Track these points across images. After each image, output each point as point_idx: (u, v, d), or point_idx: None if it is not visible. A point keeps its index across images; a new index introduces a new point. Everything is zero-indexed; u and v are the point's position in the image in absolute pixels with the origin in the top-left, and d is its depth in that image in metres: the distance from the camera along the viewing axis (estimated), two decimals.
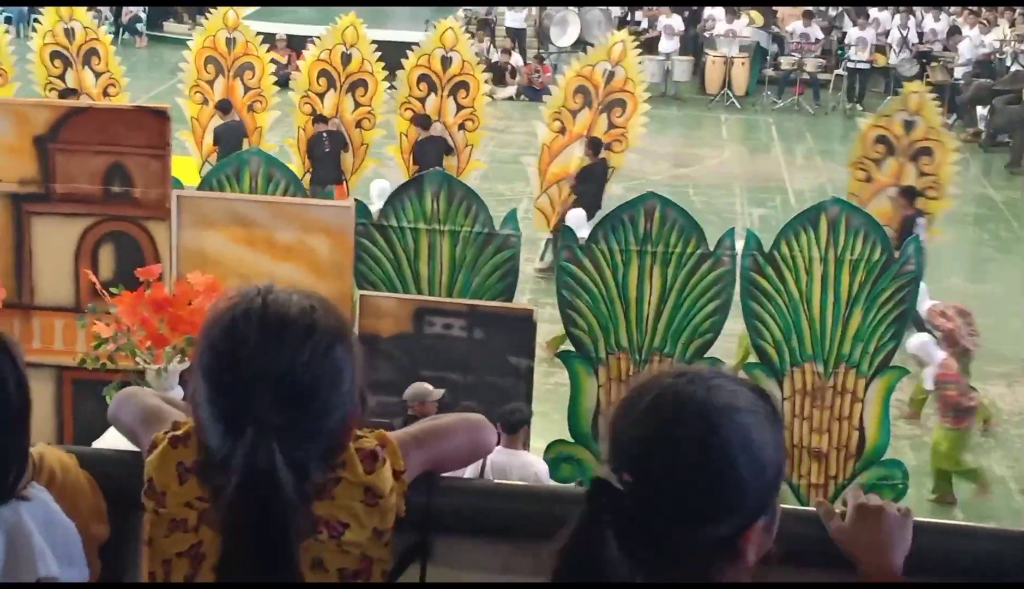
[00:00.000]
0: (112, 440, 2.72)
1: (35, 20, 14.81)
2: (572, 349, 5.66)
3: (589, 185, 8.43)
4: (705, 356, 5.60)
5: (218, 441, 1.22)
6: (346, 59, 8.74)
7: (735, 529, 1.05)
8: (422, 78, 8.81)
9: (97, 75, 9.10)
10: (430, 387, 5.20)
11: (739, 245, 5.51)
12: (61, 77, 9.06)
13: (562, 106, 8.55)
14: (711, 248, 5.45)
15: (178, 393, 4.71)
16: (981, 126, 13.00)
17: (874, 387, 5.55)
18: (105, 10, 14.35)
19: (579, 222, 7.38)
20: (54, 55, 9.08)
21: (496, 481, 3.90)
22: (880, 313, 5.44)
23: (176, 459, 1.29)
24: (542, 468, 5.06)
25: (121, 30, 14.84)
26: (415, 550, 1.40)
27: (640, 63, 9.05)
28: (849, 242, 5.33)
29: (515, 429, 4.94)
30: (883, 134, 8.19)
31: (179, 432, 1.32)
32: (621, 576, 1.03)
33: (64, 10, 9.13)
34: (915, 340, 6.42)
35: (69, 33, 9.04)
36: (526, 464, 4.89)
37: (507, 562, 1.42)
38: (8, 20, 11.34)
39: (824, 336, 5.53)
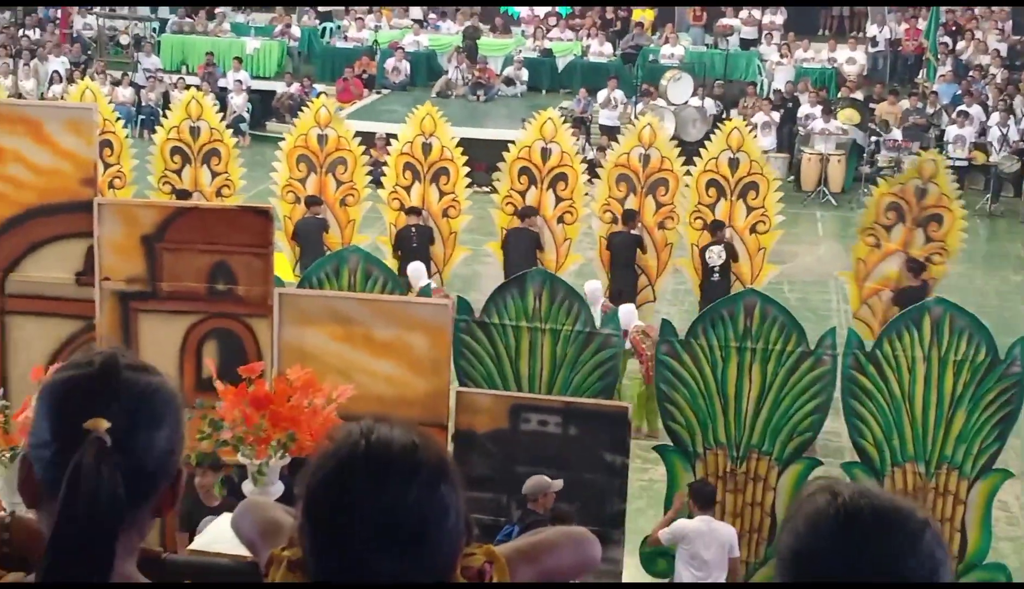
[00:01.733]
0: (210, 536, 3.15)
1: (143, 119, 15.80)
2: (670, 443, 5.73)
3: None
4: (803, 456, 5.65)
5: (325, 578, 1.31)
6: (427, 149, 9.11)
7: None
8: (522, 171, 9.12)
9: (214, 175, 9.57)
10: (549, 479, 5.33)
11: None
12: (178, 172, 9.56)
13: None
14: (811, 346, 5.52)
15: (279, 488, 4.92)
16: None
17: (977, 489, 5.55)
18: None
19: (595, 295, 7.78)
20: (175, 150, 9.58)
21: None
22: (984, 415, 5.48)
23: (294, 580, 1.40)
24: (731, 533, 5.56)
25: (240, 125, 15.75)
26: None
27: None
28: (953, 343, 5.39)
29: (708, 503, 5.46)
30: (895, 201, 8.52)
31: (295, 557, 1.39)
32: None
33: (193, 107, 9.67)
34: None
35: (194, 131, 9.56)
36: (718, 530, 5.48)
37: None
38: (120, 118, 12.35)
39: (926, 436, 5.55)
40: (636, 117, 12.94)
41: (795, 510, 1.18)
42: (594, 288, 8.17)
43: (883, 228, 8.54)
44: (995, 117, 15.36)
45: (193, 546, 4.45)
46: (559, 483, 5.24)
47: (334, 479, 1.27)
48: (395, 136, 10.07)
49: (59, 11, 20.28)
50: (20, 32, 19.76)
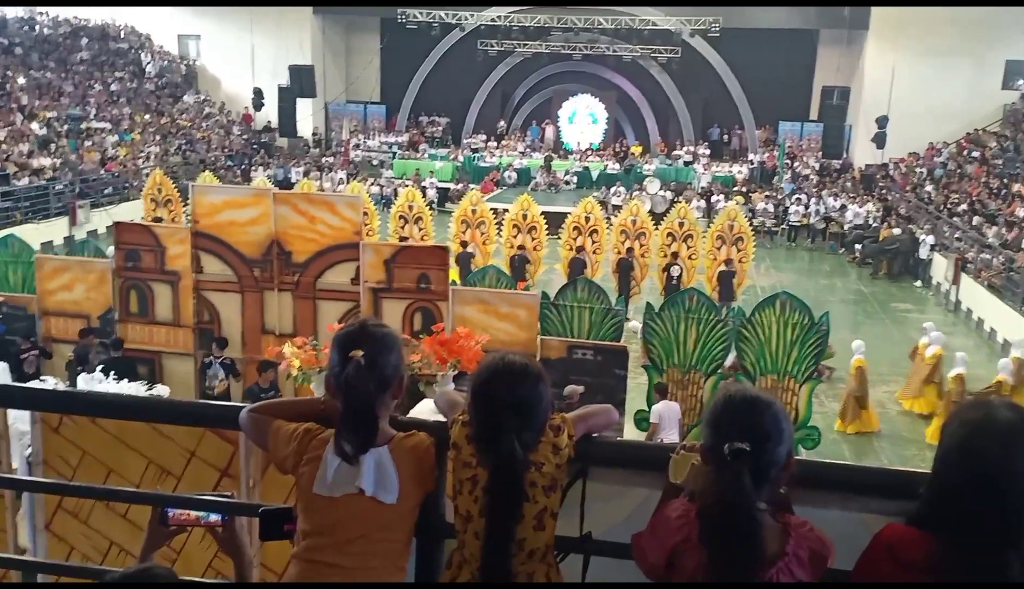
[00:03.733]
0: (420, 409, 4.88)
1: (384, 200, 25.19)
2: (650, 364, 10.71)
3: None
4: (717, 371, 10.68)
5: (480, 433, 2.11)
6: (525, 216, 16.13)
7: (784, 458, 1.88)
8: (575, 228, 16.50)
9: (420, 229, 15.99)
10: (576, 387, 9.75)
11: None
12: (402, 228, 16.10)
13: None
14: (722, 315, 10.54)
15: (450, 386, 8.39)
16: (856, 254, 23.91)
17: (804, 388, 10.25)
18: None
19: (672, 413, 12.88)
20: (400, 217, 16.20)
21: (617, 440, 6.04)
22: (806, 350, 10.33)
23: (465, 432, 2.15)
24: (677, 407, 9.79)
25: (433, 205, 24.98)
26: (579, 473, 2.25)
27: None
28: (791, 314, 10.21)
29: (664, 393, 9.88)
30: (719, 233, 15.76)
31: (465, 419, 2.16)
32: (751, 499, 1.76)
33: (410, 195, 16.78)
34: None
35: (410, 207, 16.15)
36: (672, 406, 9.86)
37: (629, 478, 2.26)
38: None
39: (777, 360, 10.37)
40: (630, 199, 22.02)
41: (715, 400, 1.93)
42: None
43: (715, 248, 15.61)
44: (813, 201, 26.81)
45: (411, 414, 8.30)
46: (580, 388, 9.39)
47: (487, 378, 2.09)
48: (506, 210, 16.72)
49: (342, 145, 33.30)
50: (322, 158, 32.74)
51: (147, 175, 22.11)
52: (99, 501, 2.98)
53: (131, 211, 22.53)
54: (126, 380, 8.32)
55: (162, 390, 8.70)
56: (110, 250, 11.81)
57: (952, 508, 1.77)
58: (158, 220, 17.09)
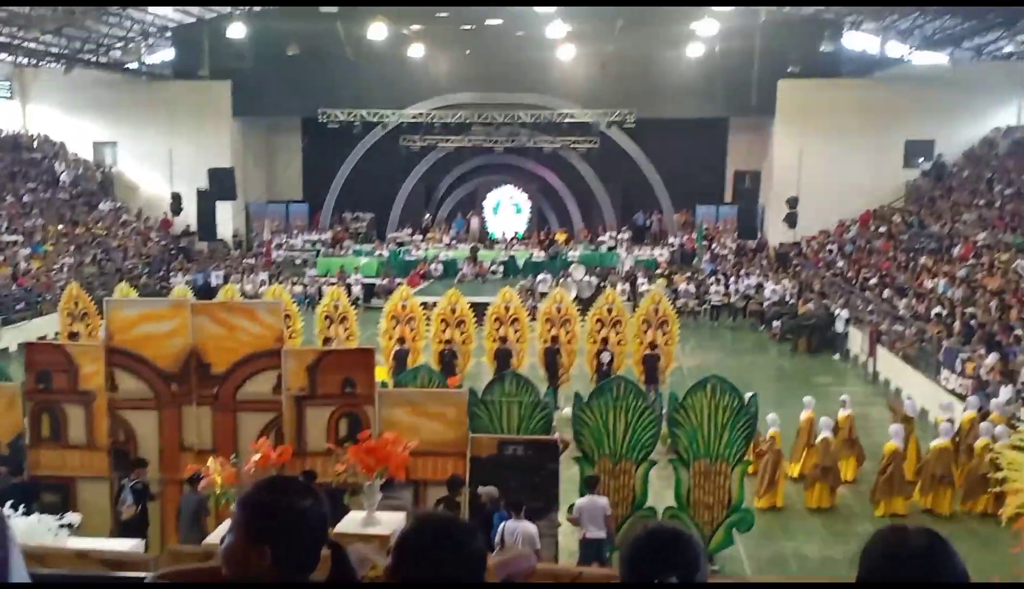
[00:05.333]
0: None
1: (308, 301, 24.41)
2: (581, 456, 10.60)
3: None
4: (647, 458, 10.69)
5: None
6: (454, 309, 16.02)
7: None
8: (496, 318, 16.38)
9: (345, 329, 15.89)
10: (491, 488, 9.39)
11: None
12: (328, 327, 15.97)
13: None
14: (649, 401, 10.62)
15: (378, 496, 8.48)
16: (776, 330, 24.53)
17: (736, 471, 10.37)
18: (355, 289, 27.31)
19: None
20: (326, 317, 16.11)
21: None
22: (737, 433, 10.43)
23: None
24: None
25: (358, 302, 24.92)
26: None
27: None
28: (721, 397, 10.36)
29: (594, 486, 9.71)
30: (645, 317, 15.83)
31: (377, 573, 2.23)
32: None
33: (334, 294, 16.62)
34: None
35: (336, 306, 16.04)
36: (597, 501, 9.61)
37: None
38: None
39: (710, 444, 10.44)
40: (556, 286, 22.23)
41: (632, 536, 1.95)
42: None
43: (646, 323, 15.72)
44: (732, 281, 27.89)
45: (337, 530, 8.05)
46: (495, 490, 9.18)
47: (408, 546, 1.93)
48: (435, 303, 16.72)
49: (264, 246, 33.20)
50: (243, 260, 32.34)
51: (61, 288, 21.50)
52: None
53: (45, 326, 21.80)
54: (34, 510, 7.89)
55: (74, 518, 8.28)
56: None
57: None
58: (75, 335, 16.56)
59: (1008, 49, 28.70)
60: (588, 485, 10.08)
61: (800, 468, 13.61)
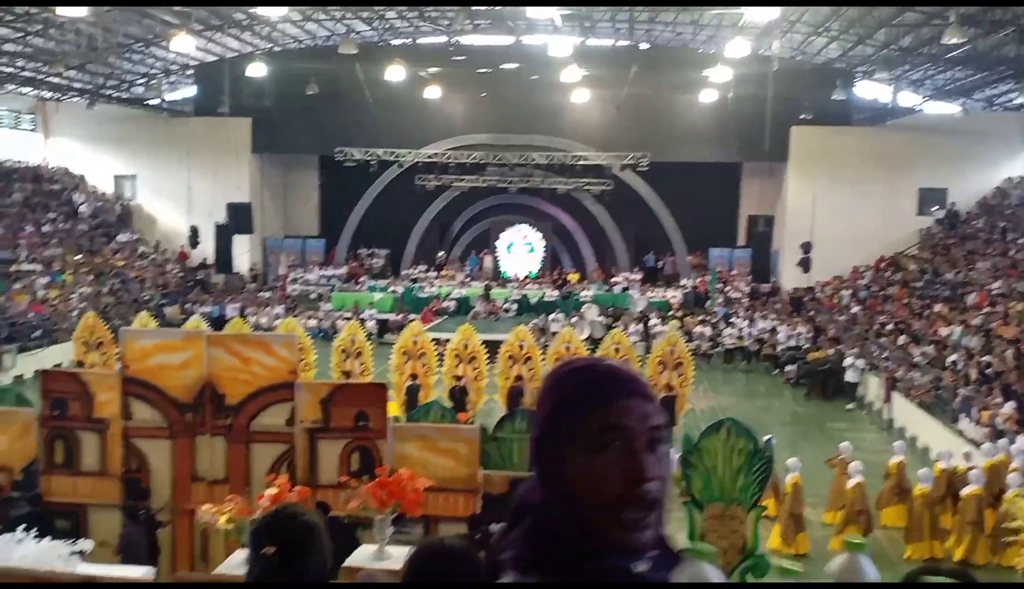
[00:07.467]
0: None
1: (322, 334, 24.66)
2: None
3: None
4: None
5: None
6: (466, 346, 15.50)
7: None
8: (510, 356, 16.00)
9: (360, 364, 15.71)
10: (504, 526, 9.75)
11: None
12: (344, 361, 15.81)
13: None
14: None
15: (389, 530, 8.25)
16: (790, 375, 24.65)
17: (751, 515, 10.27)
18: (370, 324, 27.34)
19: None
20: (342, 351, 15.94)
21: None
22: (752, 477, 10.35)
23: None
24: None
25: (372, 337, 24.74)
26: None
27: None
28: (735, 439, 10.30)
29: None
30: (660, 359, 15.63)
31: None
32: None
33: (351, 329, 16.44)
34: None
35: (353, 340, 15.82)
36: None
37: None
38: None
39: (724, 487, 10.36)
40: (569, 325, 21.93)
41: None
42: None
43: (661, 365, 15.55)
44: (746, 324, 28.10)
45: (347, 563, 8.10)
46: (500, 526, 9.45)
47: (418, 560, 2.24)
48: (447, 340, 16.59)
49: (280, 280, 33.87)
50: (259, 293, 32.95)
51: (77, 317, 21.68)
52: None
53: (60, 354, 21.93)
54: (48, 536, 7.85)
55: (86, 545, 8.23)
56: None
57: None
58: (87, 364, 16.66)
59: (1020, 101, 28.87)
60: None
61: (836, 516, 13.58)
